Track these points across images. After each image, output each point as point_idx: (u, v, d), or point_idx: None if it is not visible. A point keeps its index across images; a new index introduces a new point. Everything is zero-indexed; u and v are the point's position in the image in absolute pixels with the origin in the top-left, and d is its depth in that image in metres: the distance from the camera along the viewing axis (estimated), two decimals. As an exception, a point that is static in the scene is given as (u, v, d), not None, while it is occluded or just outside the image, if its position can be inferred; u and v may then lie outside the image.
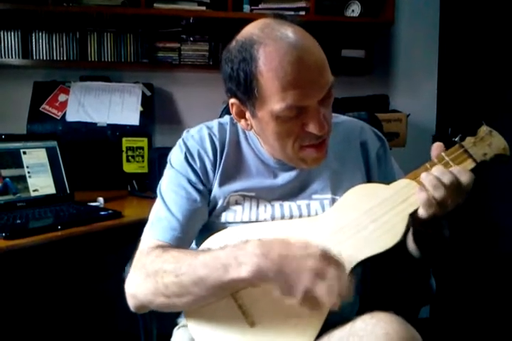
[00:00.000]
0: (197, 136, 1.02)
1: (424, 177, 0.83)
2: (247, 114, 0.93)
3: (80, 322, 1.98)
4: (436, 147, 0.88)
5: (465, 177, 0.82)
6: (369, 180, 1.03)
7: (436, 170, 0.83)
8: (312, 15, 2.17)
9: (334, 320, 0.84)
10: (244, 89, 0.88)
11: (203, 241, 0.96)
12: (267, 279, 0.78)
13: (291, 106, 0.85)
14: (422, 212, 0.83)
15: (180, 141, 1.04)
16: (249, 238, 0.83)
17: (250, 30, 0.89)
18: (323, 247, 0.78)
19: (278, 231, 0.93)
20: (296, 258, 0.77)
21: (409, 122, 2.16)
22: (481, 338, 2.13)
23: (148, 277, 0.87)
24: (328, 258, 0.77)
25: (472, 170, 0.85)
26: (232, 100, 0.94)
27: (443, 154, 0.87)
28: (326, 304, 0.75)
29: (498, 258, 2.17)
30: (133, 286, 0.90)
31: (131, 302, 0.91)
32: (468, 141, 0.88)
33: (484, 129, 0.89)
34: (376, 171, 1.05)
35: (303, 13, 2.18)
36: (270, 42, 0.84)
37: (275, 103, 0.85)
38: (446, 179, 0.81)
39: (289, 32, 0.85)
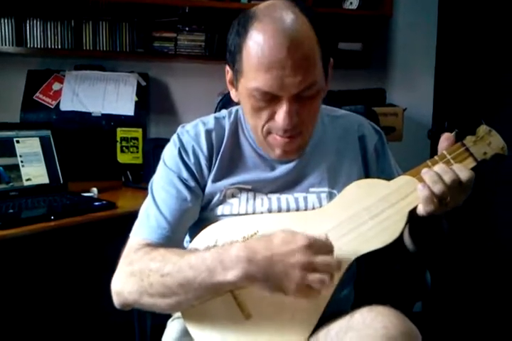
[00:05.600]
0: (192, 132, 1.01)
1: (424, 172, 0.84)
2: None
3: (73, 312, 1.98)
4: (446, 138, 0.88)
5: (464, 174, 0.83)
6: (367, 174, 1.03)
7: (438, 168, 0.84)
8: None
9: (330, 313, 0.84)
10: (233, 59, 0.90)
11: (198, 233, 0.95)
12: (255, 281, 0.78)
13: (260, 89, 0.85)
14: (421, 209, 0.84)
15: (174, 137, 1.02)
16: (236, 237, 0.84)
17: (260, 5, 0.90)
18: (307, 235, 0.78)
19: (274, 223, 0.92)
20: (280, 257, 0.77)
21: (405, 116, 2.16)
22: (474, 333, 2.15)
23: (134, 275, 0.86)
24: (312, 247, 0.77)
25: (472, 170, 0.85)
26: (227, 67, 0.95)
27: (444, 152, 0.88)
28: (320, 292, 0.76)
29: (491, 253, 2.18)
30: (118, 283, 0.89)
31: (116, 300, 0.90)
32: (469, 139, 0.89)
33: (484, 128, 0.90)
34: (374, 165, 1.04)
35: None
36: (265, 20, 0.85)
37: (250, 80, 0.87)
38: (447, 177, 0.82)
39: (287, 18, 0.85)
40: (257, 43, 0.84)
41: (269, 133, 0.92)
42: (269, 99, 0.87)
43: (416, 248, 0.97)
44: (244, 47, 0.86)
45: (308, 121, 0.91)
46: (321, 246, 0.78)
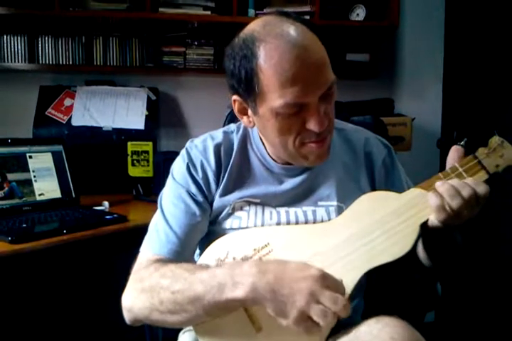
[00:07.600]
0: (201, 146, 1.01)
1: (439, 184, 0.82)
2: (249, 111, 0.94)
3: (85, 326, 1.98)
4: (455, 150, 0.86)
5: (481, 189, 0.81)
6: (374, 189, 1.01)
7: (454, 182, 0.82)
8: (317, 19, 2.17)
9: (339, 324, 0.84)
10: (246, 85, 0.88)
11: (207, 246, 0.95)
12: (261, 300, 0.77)
13: (290, 103, 0.85)
14: (434, 219, 0.83)
15: (183, 151, 1.02)
16: (247, 250, 0.84)
17: (252, 27, 0.90)
18: (321, 269, 0.77)
19: (285, 236, 0.92)
20: (291, 280, 0.76)
21: (414, 126, 2.15)
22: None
23: (144, 292, 0.86)
24: (324, 280, 0.76)
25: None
26: (235, 97, 0.94)
27: (456, 165, 0.86)
28: (320, 326, 0.74)
29: (502, 261, 2.16)
30: (129, 300, 0.89)
31: (127, 316, 0.90)
32: (481, 152, 0.87)
33: (496, 140, 0.87)
34: (383, 180, 1.03)
35: (308, 17, 2.18)
36: (271, 40, 0.85)
37: (275, 100, 0.86)
38: (466, 192, 0.81)
39: (290, 29, 0.86)
40: (273, 62, 0.84)
41: (302, 144, 0.91)
42: (297, 111, 0.87)
43: (431, 262, 0.95)
44: (260, 70, 0.85)
45: (333, 120, 0.92)
46: (334, 283, 0.77)
